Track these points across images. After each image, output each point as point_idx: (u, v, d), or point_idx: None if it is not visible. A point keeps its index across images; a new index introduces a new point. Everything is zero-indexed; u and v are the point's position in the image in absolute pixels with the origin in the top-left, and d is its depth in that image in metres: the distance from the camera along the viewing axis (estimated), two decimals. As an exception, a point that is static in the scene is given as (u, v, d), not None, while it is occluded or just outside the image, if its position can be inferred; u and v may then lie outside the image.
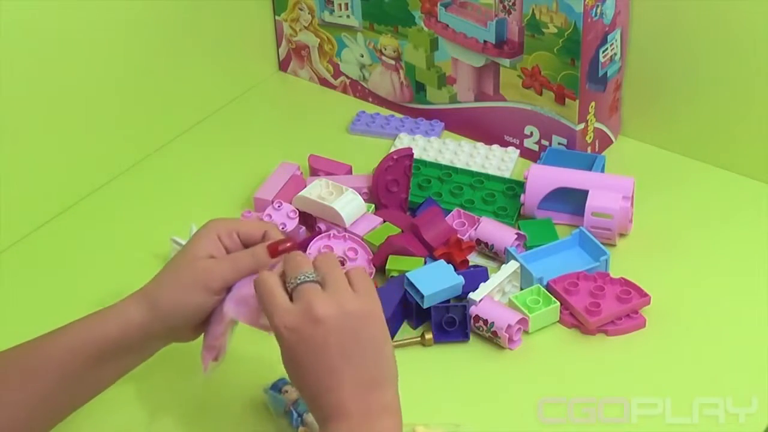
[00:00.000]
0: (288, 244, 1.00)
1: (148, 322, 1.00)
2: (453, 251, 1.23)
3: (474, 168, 1.39)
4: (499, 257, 1.25)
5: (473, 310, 1.16)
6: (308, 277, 0.93)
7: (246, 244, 1.02)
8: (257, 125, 1.52)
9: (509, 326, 1.15)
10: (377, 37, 1.49)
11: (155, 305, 1.00)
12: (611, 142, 1.45)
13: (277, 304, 0.93)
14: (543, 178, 1.30)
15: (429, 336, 1.16)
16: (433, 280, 1.16)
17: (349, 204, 1.26)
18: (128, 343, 1.00)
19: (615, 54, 1.37)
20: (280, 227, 1.24)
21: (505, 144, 1.44)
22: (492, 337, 1.16)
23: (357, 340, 0.91)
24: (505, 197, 1.34)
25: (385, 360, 0.93)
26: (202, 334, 1.03)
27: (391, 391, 0.93)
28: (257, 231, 1.02)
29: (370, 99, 1.55)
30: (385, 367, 0.93)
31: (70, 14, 1.30)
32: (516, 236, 1.25)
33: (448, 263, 1.20)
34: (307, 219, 1.28)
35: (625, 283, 1.19)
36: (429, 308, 1.16)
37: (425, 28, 1.44)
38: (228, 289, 1.01)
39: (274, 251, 1.00)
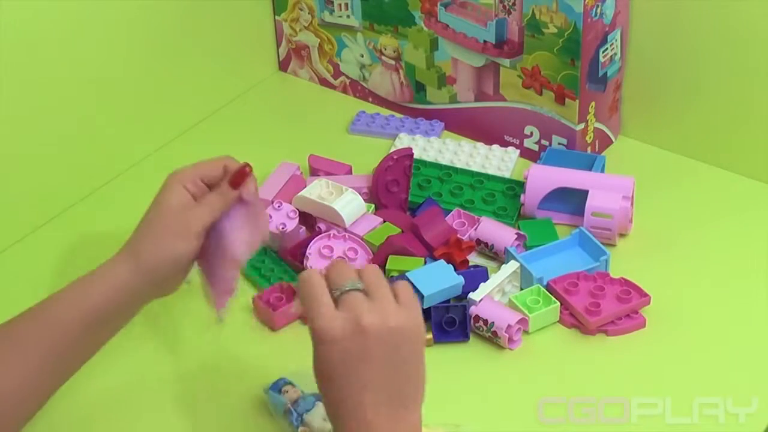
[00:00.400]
0: (245, 169, 1.05)
1: (134, 280, 1.02)
2: (453, 251, 1.23)
3: (474, 168, 1.39)
4: (499, 257, 1.25)
5: (473, 310, 1.16)
6: (355, 285, 0.91)
7: (210, 185, 1.06)
8: (257, 125, 1.52)
9: (509, 326, 1.15)
10: (377, 37, 1.49)
11: (139, 261, 1.02)
12: (611, 142, 1.45)
13: (324, 308, 0.89)
14: (543, 178, 1.30)
15: (429, 336, 1.16)
16: (433, 280, 1.16)
17: (349, 204, 1.26)
18: (116, 306, 1.02)
19: (615, 54, 1.37)
20: (280, 227, 1.24)
21: (505, 144, 1.44)
22: (492, 337, 1.16)
23: (397, 356, 0.89)
24: (505, 197, 1.34)
25: (419, 380, 0.91)
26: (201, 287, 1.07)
27: (418, 411, 0.91)
28: (217, 169, 1.07)
29: (370, 99, 1.55)
30: (418, 386, 0.91)
31: (69, 14, 1.30)
32: (516, 236, 1.25)
33: (448, 263, 1.20)
34: (307, 219, 1.28)
35: (625, 283, 1.19)
36: (429, 308, 1.16)
37: (425, 28, 1.44)
38: (207, 233, 1.04)
39: (236, 183, 1.05)
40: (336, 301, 0.90)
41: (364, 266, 0.94)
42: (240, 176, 1.06)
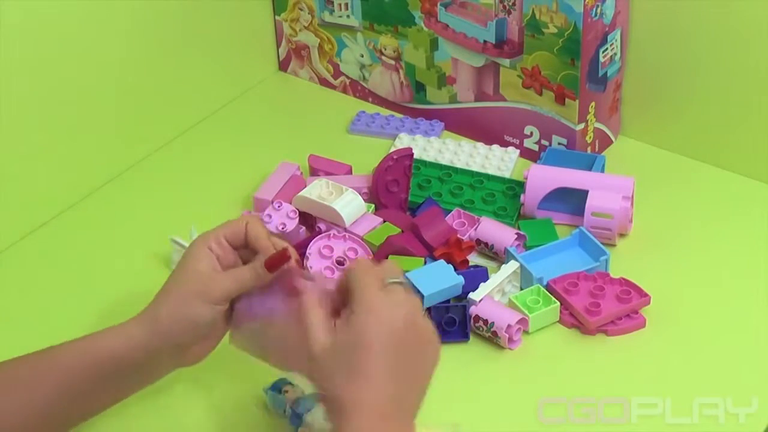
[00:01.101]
0: (285, 258, 0.99)
1: (149, 339, 0.99)
2: (453, 251, 1.23)
3: (474, 168, 1.39)
4: (499, 257, 1.25)
5: (473, 310, 1.16)
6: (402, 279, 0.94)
7: (235, 245, 1.02)
8: (257, 125, 1.52)
9: (509, 326, 1.15)
10: (377, 37, 1.50)
11: (156, 320, 0.99)
12: (611, 142, 1.45)
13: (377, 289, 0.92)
14: (543, 178, 1.30)
15: (429, 336, 1.16)
16: (433, 280, 1.16)
17: (349, 204, 1.26)
18: (129, 362, 0.99)
19: (615, 54, 1.37)
20: (280, 227, 1.24)
21: (505, 144, 1.44)
22: (492, 337, 1.16)
23: (425, 362, 0.93)
24: (505, 197, 1.34)
25: (424, 393, 0.93)
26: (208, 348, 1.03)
27: (413, 423, 0.91)
28: (240, 228, 1.01)
29: (370, 99, 1.55)
30: (422, 398, 0.92)
31: (70, 14, 1.30)
32: (516, 236, 1.25)
33: (448, 263, 1.20)
34: (307, 219, 1.28)
35: (625, 283, 1.19)
36: (429, 308, 1.16)
37: (425, 28, 1.44)
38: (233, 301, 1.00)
39: (272, 267, 0.99)
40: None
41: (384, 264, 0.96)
42: (278, 260, 0.98)
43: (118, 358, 0.99)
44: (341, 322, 0.92)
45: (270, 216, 1.25)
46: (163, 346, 0.99)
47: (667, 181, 1.37)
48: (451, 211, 1.30)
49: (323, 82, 1.59)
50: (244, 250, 1.02)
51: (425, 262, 1.21)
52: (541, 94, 1.38)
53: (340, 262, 1.23)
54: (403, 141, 1.45)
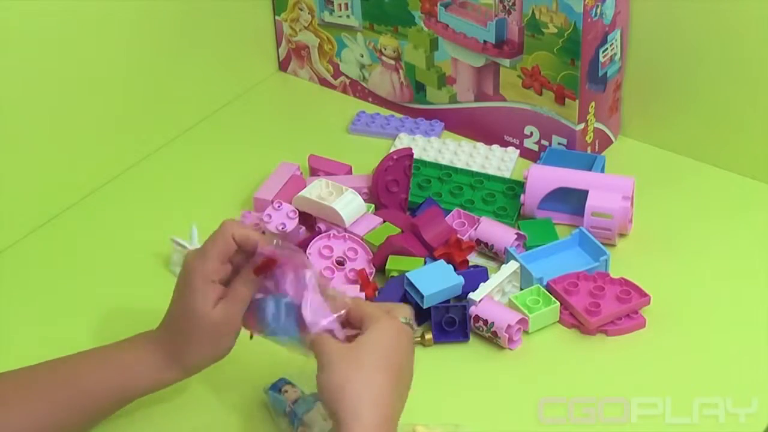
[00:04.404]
0: (272, 260, 1.01)
1: (178, 378, 1.04)
2: (453, 251, 1.23)
3: (474, 168, 1.39)
4: (499, 257, 1.25)
5: (473, 310, 1.16)
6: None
7: (226, 260, 1.02)
8: (257, 125, 1.52)
9: (509, 326, 1.15)
10: (377, 37, 1.49)
11: (189, 366, 1.03)
12: (611, 142, 1.45)
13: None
14: (543, 178, 1.30)
15: (429, 336, 1.16)
16: (433, 280, 1.16)
17: (349, 204, 1.26)
18: (153, 392, 1.05)
19: (615, 54, 1.37)
20: (280, 227, 1.24)
21: (505, 144, 1.44)
22: (492, 337, 1.16)
23: (409, 378, 0.98)
24: (505, 197, 1.34)
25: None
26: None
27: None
28: (229, 243, 1.02)
29: (370, 99, 1.55)
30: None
31: (70, 14, 1.30)
32: (516, 236, 1.25)
33: (448, 263, 1.20)
34: (307, 219, 1.28)
35: (625, 283, 1.19)
36: (429, 308, 1.16)
37: (425, 28, 1.44)
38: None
39: (261, 272, 1.01)
40: None
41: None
42: (266, 266, 1.01)
43: (140, 394, 1.04)
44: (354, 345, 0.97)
45: (270, 216, 1.25)
46: (188, 376, 1.05)
47: (667, 181, 1.37)
48: (451, 211, 1.30)
49: (323, 82, 1.59)
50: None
51: (425, 262, 1.21)
52: (541, 94, 1.38)
53: (340, 262, 1.23)
54: (403, 141, 1.45)
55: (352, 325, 0.99)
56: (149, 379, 1.03)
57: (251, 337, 1.05)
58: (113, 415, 1.06)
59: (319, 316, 0.99)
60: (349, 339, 0.98)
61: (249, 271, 1.01)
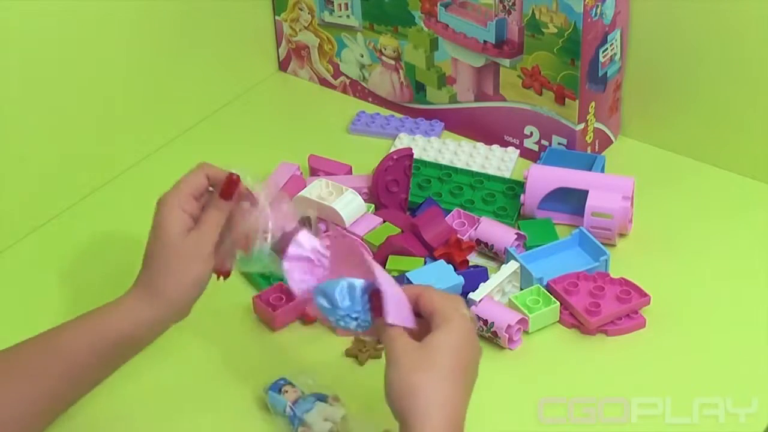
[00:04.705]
0: (232, 179, 1.04)
1: (155, 314, 1.01)
2: (453, 251, 1.23)
3: (474, 168, 1.39)
4: (499, 257, 1.25)
5: (473, 310, 1.16)
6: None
7: (198, 197, 1.05)
8: (257, 125, 1.52)
9: (509, 326, 1.15)
10: (377, 37, 1.50)
11: (158, 295, 1.01)
12: (611, 142, 1.45)
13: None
14: (543, 178, 1.30)
15: (429, 336, 1.16)
16: (433, 280, 1.16)
17: (349, 204, 1.26)
18: (136, 339, 1.02)
19: (615, 54, 1.37)
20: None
21: (505, 144, 1.44)
22: (492, 337, 1.16)
23: (475, 377, 0.99)
24: (505, 197, 1.34)
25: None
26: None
27: None
28: (201, 180, 1.05)
29: (370, 99, 1.55)
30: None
31: (70, 14, 1.30)
32: (516, 236, 1.25)
33: (448, 263, 1.20)
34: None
35: (625, 283, 1.19)
36: (429, 308, 1.16)
37: (425, 28, 1.44)
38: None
39: (228, 194, 1.04)
40: None
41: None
42: (229, 186, 1.04)
43: (125, 338, 1.01)
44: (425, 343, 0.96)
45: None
46: (167, 315, 1.02)
47: (667, 181, 1.37)
48: (451, 211, 1.30)
49: (323, 82, 1.59)
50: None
51: (425, 262, 1.21)
52: (541, 94, 1.38)
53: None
54: (403, 141, 1.45)
55: (418, 313, 0.98)
56: (128, 320, 1.01)
57: (218, 277, 1.05)
58: (113, 415, 1.06)
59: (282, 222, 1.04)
60: (412, 331, 0.97)
61: (216, 197, 1.04)
